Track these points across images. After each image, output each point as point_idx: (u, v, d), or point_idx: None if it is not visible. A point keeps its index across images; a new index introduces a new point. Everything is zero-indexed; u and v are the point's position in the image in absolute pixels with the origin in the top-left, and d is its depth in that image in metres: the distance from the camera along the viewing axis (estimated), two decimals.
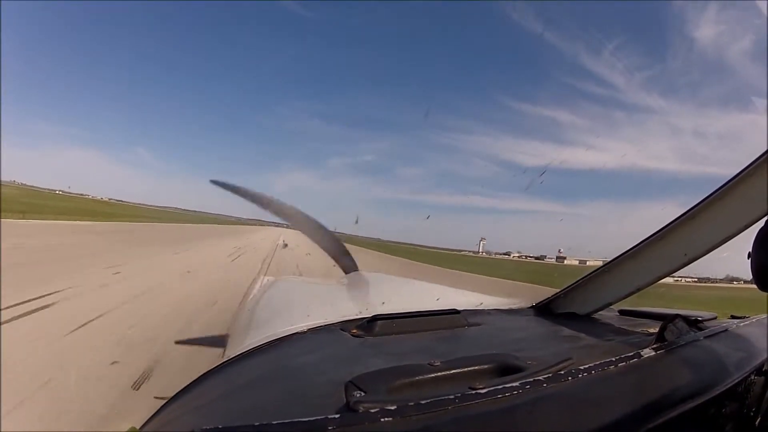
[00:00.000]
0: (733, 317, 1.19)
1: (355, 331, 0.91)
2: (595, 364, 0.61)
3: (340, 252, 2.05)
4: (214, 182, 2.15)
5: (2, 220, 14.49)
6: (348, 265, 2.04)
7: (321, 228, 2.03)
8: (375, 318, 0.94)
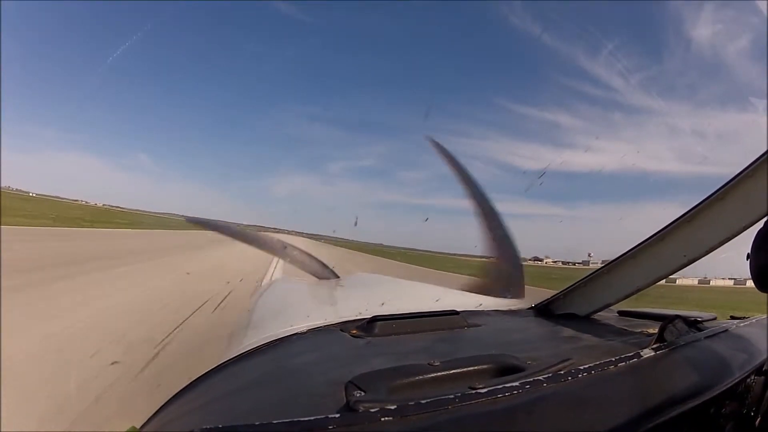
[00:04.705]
0: (732, 318, 1.19)
1: (354, 331, 0.91)
2: (594, 365, 0.61)
3: (319, 266, 2.12)
4: (190, 220, 2.35)
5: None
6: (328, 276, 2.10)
7: (292, 247, 2.11)
8: (375, 319, 0.94)
